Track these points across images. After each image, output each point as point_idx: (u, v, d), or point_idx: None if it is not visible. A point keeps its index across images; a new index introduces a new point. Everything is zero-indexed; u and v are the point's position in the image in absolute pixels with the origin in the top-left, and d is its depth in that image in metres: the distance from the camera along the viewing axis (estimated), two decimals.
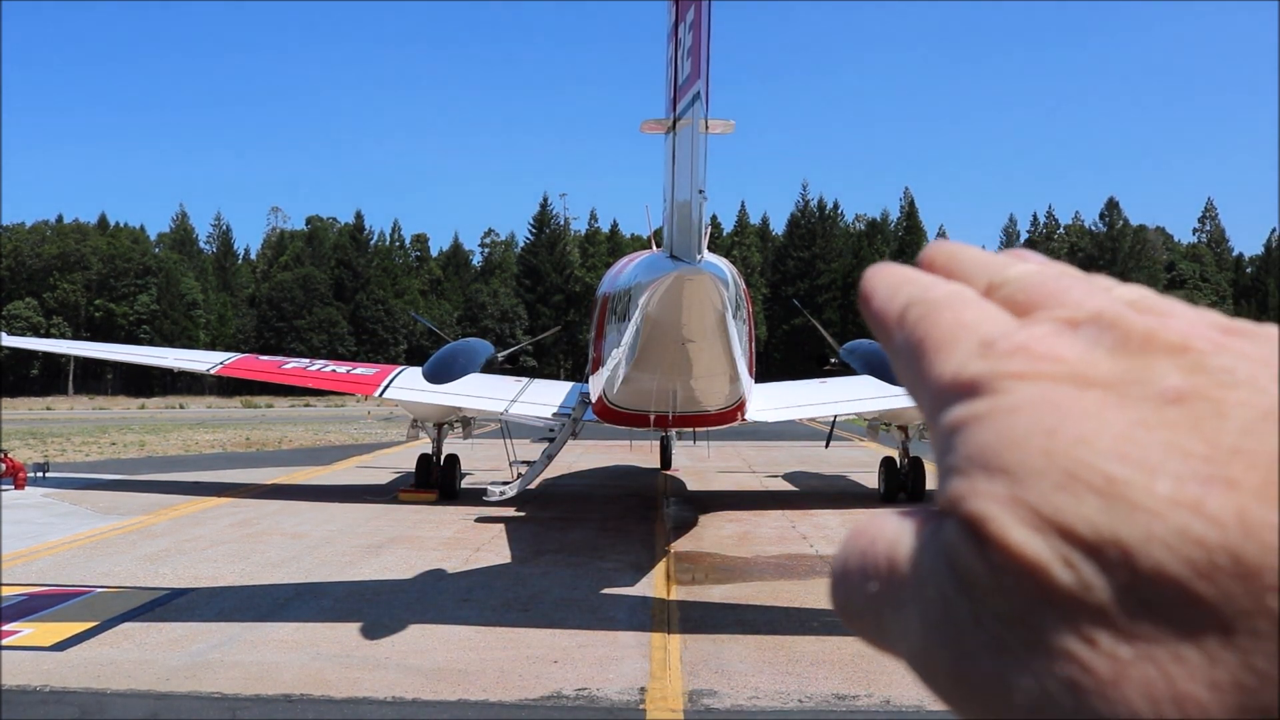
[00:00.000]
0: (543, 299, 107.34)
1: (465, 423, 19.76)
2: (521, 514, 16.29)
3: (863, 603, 0.40)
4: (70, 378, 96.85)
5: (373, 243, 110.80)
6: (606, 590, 10.73)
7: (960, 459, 0.36)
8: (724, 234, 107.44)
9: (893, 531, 0.39)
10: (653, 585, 11.02)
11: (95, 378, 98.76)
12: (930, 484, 18.13)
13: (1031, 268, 0.44)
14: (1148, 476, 0.33)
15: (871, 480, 20.53)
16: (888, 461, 18.56)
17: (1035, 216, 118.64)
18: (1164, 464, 0.33)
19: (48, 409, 69.53)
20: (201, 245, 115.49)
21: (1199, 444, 0.33)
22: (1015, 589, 0.33)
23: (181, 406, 76.45)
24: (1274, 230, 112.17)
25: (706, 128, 8.72)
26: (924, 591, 0.37)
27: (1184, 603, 0.31)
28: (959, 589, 0.35)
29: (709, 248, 10.02)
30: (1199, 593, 0.31)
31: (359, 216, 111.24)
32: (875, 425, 19.72)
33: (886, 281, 0.46)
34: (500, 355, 14.96)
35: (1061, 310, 0.40)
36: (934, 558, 0.37)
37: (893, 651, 0.39)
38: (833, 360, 17.84)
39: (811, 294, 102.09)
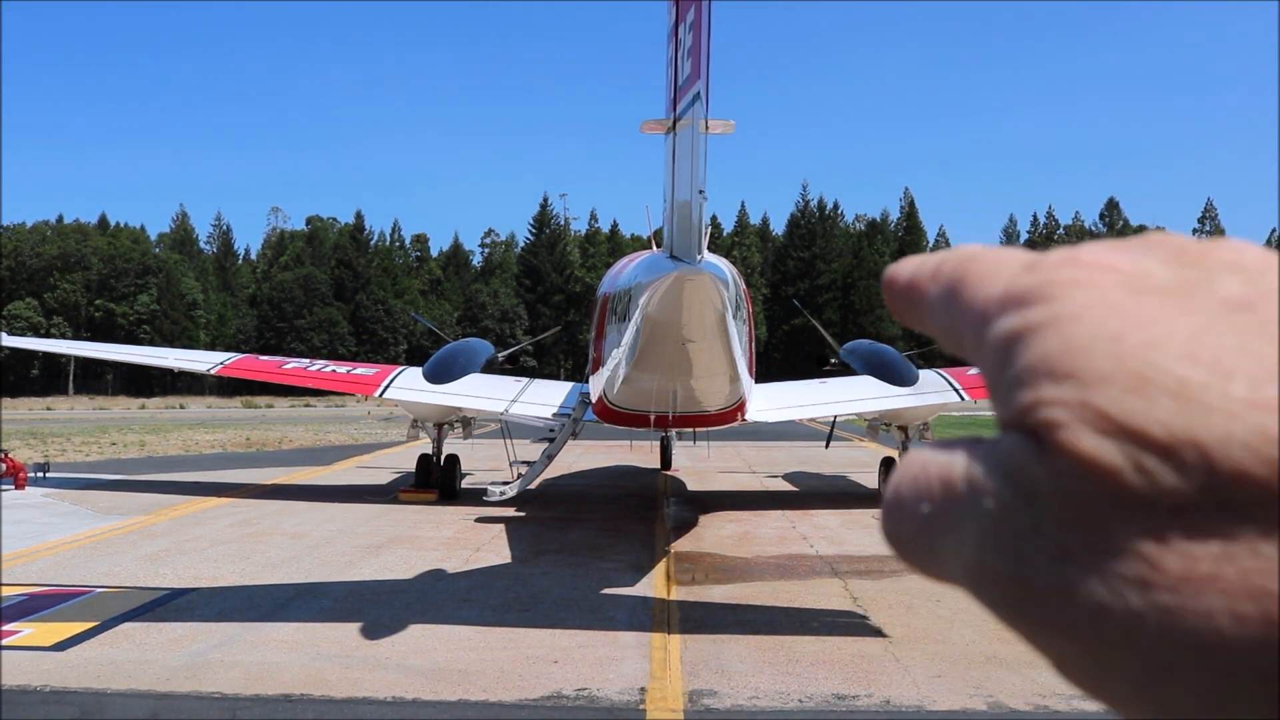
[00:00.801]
0: (543, 299, 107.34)
1: (465, 423, 19.76)
2: (521, 514, 16.29)
3: (914, 527, 0.40)
4: (70, 378, 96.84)
5: (373, 243, 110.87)
6: (606, 590, 10.73)
7: (1021, 369, 0.36)
8: (724, 234, 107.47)
9: (944, 455, 0.40)
10: (653, 585, 11.01)
11: (95, 378, 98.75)
12: None
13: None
14: (1222, 379, 0.33)
15: (871, 480, 20.54)
16: (888, 461, 18.58)
17: (1035, 216, 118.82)
18: (1237, 366, 0.33)
19: (48, 409, 69.53)
20: (201, 245, 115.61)
21: (1270, 348, 0.34)
22: (1081, 494, 0.34)
23: (181, 406, 76.45)
24: (1274, 230, 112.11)
25: (706, 128, 8.73)
26: (980, 505, 0.37)
27: (1263, 500, 0.32)
28: (1019, 499, 0.36)
29: (709, 248, 10.02)
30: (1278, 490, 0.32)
31: (359, 216, 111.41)
32: (875, 425, 19.72)
33: (911, 261, 0.47)
34: (500, 355, 14.95)
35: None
36: (991, 471, 0.37)
37: (942, 574, 0.40)
38: (833, 360, 17.83)
39: (811, 294, 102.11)
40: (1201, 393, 0.33)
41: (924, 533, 0.40)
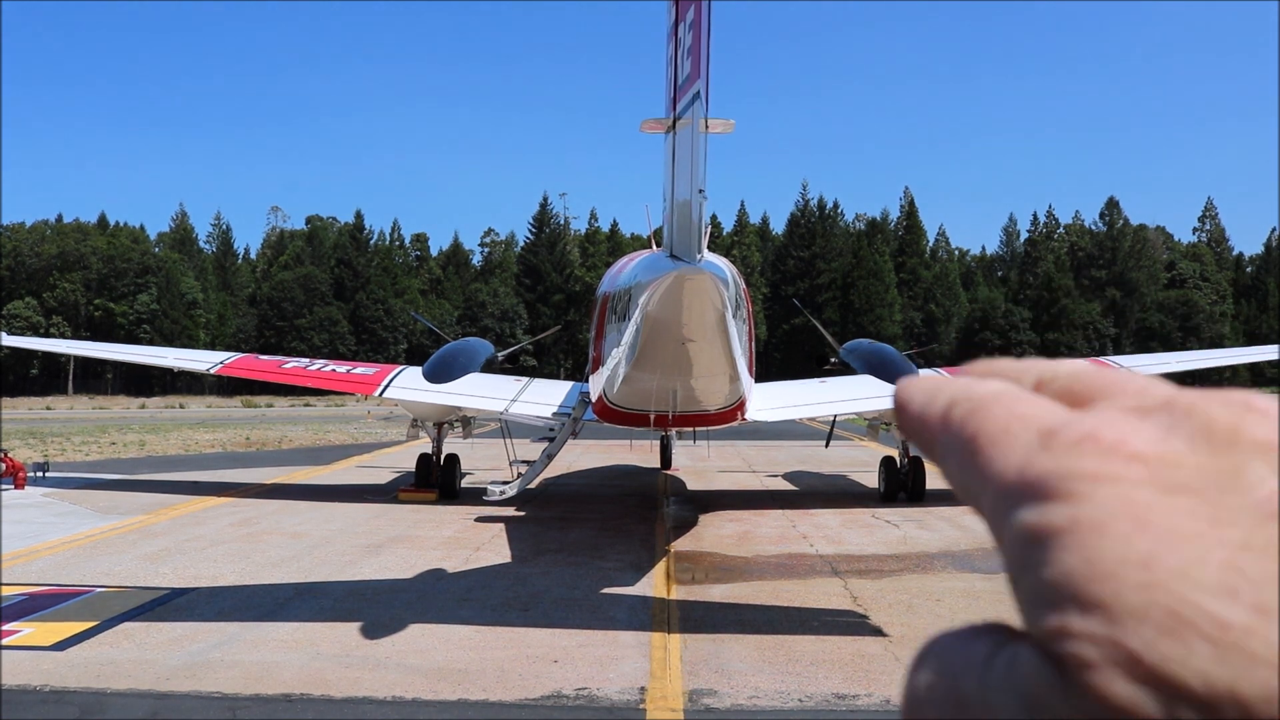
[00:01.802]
0: (543, 299, 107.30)
1: (465, 422, 19.75)
2: (521, 514, 16.29)
3: None
4: (70, 377, 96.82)
5: (373, 242, 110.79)
6: (606, 590, 10.73)
7: (1044, 583, 0.33)
8: (724, 234, 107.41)
9: (959, 659, 0.37)
10: (653, 585, 11.01)
11: (95, 377, 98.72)
12: (930, 484, 18.20)
13: (1083, 362, 0.41)
14: (1265, 621, 0.30)
15: (871, 480, 20.53)
16: (888, 461, 18.56)
17: (1035, 216, 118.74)
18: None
19: (48, 409, 69.49)
20: (201, 245, 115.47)
21: None
22: None
23: (181, 406, 76.43)
24: (1274, 230, 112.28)
25: (706, 127, 8.72)
26: None
27: None
28: None
29: (709, 247, 10.02)
30: None
31: (359, 216, 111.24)
32: (875, 425, 19.72)
33: (922, 387, 0.43)
34: (500, 355, 14.94)
35: (1126, 398, 0.37)
36: (1008, 693, 0.33)
37: None
38: (833, 360, 17.82)
39: (811, 294, 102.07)
40: (1243, 639, 0.29)
41: None
